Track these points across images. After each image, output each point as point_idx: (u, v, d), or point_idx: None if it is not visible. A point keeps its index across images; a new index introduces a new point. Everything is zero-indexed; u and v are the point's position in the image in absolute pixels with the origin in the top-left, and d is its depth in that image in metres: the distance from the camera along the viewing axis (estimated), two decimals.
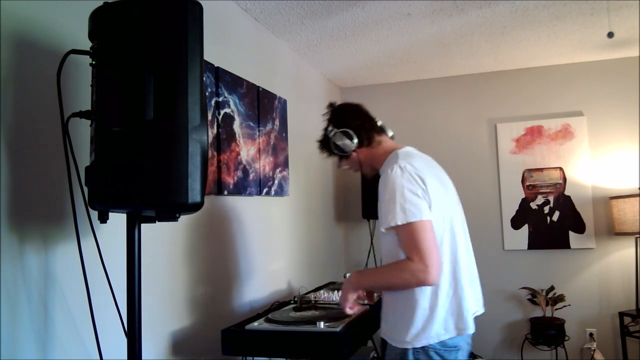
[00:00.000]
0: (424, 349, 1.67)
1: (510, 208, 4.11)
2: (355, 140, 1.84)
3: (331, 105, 1.93)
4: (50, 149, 1.49)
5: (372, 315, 2.22)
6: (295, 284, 3.18)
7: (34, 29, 1.48)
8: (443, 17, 2.98)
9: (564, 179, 4.00)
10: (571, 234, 3.95)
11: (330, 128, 1.87)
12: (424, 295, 1.68)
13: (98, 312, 1.50)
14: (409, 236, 1.60)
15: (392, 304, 1.77)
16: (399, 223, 1.60)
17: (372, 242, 4.11)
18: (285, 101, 3.20)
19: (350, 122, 1.86)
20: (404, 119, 4.37)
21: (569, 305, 3.79)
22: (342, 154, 1.88)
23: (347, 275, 2.85)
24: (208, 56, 2.26)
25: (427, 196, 1.65)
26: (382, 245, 1.81)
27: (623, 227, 3.61)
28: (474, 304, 1.77)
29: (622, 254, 3.85)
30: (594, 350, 3.77)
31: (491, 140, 4.22)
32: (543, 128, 4.08)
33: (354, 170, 1.97)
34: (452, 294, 1.71)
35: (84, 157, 1.44)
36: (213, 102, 2.36)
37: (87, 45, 1.31)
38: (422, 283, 1.60)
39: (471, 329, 1.71)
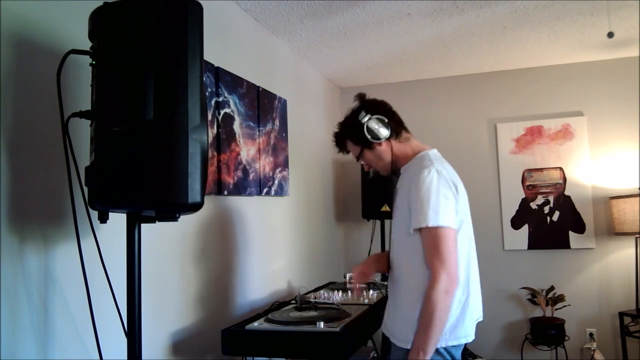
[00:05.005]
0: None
1: (510, 208, 4.11)
2: (389, 130, 1.81)
3: (361, 96, 1.88)
4: (50, 149, 1.49)
5: (372, 315, 2.22)
6: (295, 284, 3.18)
7: (34, 29, 1.48)
8: (443, 17, 2.97)
9: (564, 179, 4.00)
10: (571, 234, 3.95)
11: (363, 114, 1.80)
12: None
13: (98, 312, 1.50)
14: (434, 240, 1.61)
15: (404, 305, 1.72)
16: (430, 225, 1.60)
17: (372, 242, 4.11)
18: (285, 101, 3.20)
19: (384, 112, 1.84)
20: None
21: (569, 305, 3.79)
22: (376, 141, 1.80)
23: (348, 275, 2.87)
24: (208, 56, 2.26)
25: (457, 203, 1.68)
26: (399, 248, 1.78)
27: (623, 227, 3.61)
28: (478, 310, 1.77)
29: (622, 254, 3.85)
30: (594, 350, 3.77)
31: (491, 140, 4.22)
32: (543, 128, 4.08)
33: (372, 165, 1.91)
34: (465, 301, 1.69)
35: (84, 157, 1.44)
36: (213, 102, 2.36)
37: (87, 45, 1.31)
38: (453, 293, 1.60)
39: (472, 336, 1.71)
